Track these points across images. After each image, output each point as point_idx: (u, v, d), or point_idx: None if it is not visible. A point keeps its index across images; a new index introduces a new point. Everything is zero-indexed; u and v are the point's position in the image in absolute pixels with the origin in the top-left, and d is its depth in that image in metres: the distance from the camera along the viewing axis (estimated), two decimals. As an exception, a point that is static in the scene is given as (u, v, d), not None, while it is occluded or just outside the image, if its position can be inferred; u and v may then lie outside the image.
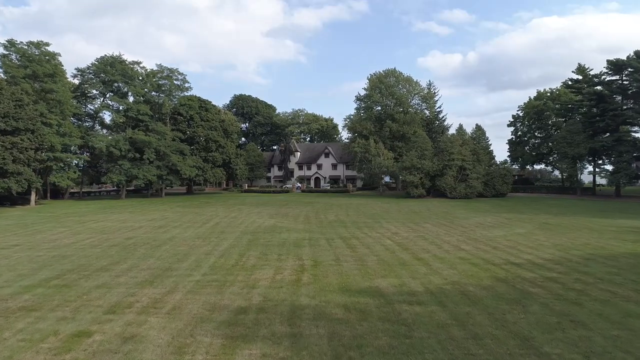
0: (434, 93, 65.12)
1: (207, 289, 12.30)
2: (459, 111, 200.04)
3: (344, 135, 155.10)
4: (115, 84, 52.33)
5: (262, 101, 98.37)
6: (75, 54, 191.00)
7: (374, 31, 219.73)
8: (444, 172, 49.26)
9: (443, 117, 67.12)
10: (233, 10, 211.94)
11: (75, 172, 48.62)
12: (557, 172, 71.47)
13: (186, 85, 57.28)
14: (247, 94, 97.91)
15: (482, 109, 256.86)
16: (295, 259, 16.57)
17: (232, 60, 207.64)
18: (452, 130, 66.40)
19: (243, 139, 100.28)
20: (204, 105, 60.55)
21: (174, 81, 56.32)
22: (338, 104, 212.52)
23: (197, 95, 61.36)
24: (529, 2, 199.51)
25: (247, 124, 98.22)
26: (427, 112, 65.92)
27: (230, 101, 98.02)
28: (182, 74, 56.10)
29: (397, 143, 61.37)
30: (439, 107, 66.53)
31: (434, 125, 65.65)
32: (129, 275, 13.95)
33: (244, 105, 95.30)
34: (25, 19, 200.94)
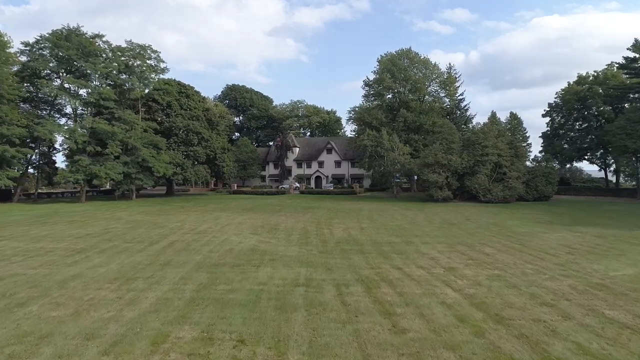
0: (455, 78, 55.74)
1: None
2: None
3: (348, 129, 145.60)
4: (75, 63, 42.93)
5: (257, 92, 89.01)
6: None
7: (375, 30, 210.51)
8: (476, 169, 39.91)
9: (465, 106, 57.76)
10: (234, 9, 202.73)
11: (18, 170, 39.41)
12: (595, 170, 62.03)
13: (162, 65, 47.94)
14: (240, 84, 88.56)
15: (485, 108, 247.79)
16: (271, 358, 7.32)
17: (233, 60, 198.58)
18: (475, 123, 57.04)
19: (237, 133, 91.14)
20: (184, 90, 51.23)
21: (147, 60, 46.96)
22: (340, 103, 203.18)
23: (177, 79, 52.09)
24: (530, 2, 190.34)
25: (240, 117, 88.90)
26: (446, 100, 56.53)
27: (222, 92, 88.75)
28: (155, 51, 46.81)
29: (412, 135, 52.03)
30: (461, 94, 57.16)
31: (455, 115, 56.28)
32: None
33: (236, 97, 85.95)
34: (26, 18, 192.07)
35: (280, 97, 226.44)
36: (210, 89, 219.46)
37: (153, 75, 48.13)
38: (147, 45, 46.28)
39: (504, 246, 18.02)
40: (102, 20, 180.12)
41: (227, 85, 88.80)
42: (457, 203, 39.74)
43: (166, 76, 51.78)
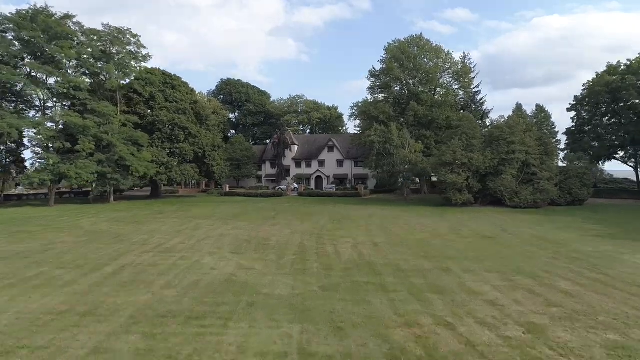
0: (470, 68, 50.45)
1: None
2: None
3: (351, 126, 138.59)
4: (42, 47, 37.59)
5: (253, 87, 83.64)
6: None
7: (376, 30, 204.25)
8: (500, 169, 34.71)
9: (481, 99, 52.40)
10: (235, 9, 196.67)
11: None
12: (617, 170, 56.70)
13: (143, 52, 42.67)
14: (235, 79, 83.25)
15: (486, 108, 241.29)
16: None
17: (234, 59, 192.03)
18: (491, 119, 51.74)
19: (233, 131, 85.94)
20: (169, 80, 45.94)
21: (126, 46, 41.69)
22: (341, 103, 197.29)
23: (162, 69, 46.78)
24: (530, 2, 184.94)
25: (236, 113, 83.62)
26: (460, 92, 51.27)
27: (216, 86, 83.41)
28: (135, 35, 41.46)
29: (423, 131, 46.79)
30: (476, 86, 51.86)
31: (470, 109, 51.01)
32: None
33: (232, 92, 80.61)
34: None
35: (281, 96, 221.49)
36: (210, 89, 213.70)
37: (133, 63, 42.87)
38: (125, 28, 41.05)
39: (583, 278, 12.77)
40: (102, 19, 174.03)
41: (221, 79, 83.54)
42: (479, 208, 34.50)
43: (159, 70, 46.69)
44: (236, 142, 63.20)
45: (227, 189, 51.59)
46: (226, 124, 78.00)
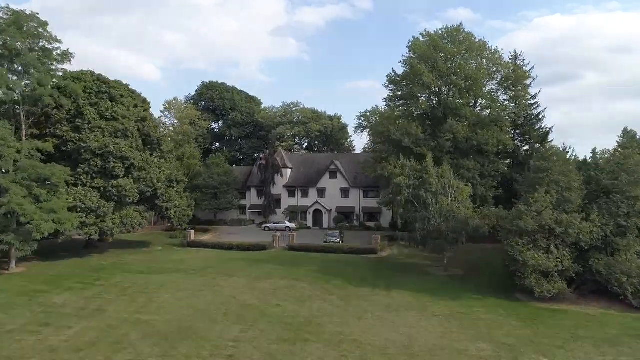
0: (526, 72, 36.88)
1: None
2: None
3: (357, 140, 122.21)
4: None
5: (240, 92, 70.25)
6: (77, 52, 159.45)
7: (378, 30, 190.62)
8: (615, 242, 21.28)
9: (540, 113, 38.61)
10: (236, 9, 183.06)
11: None
12: None
13: (57, 48, 29.15)
14: (219, 82, 69.73)
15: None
16: None
17: (235, 59, 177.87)
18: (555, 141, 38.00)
19: (216, 144, 72.61)
20: (106, 89, 32.26)
21: (37, 40, 28.22)
22: (343, 106, 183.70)
23: (96, 72, 33.12)
24: (531, 2, 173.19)
25: (219, 124, 70.23)
26: (511, 105, 37.74)
27: (196, 91, 69.94)
28: (44, 23, 27.99)
29: (464, 161, 33.30)
30: (533, 96, 38.17)
31: (524, 128, 37.50)
32: None
33: (214, 97, 67.21)
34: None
35: (281, 97, 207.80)
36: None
37: (49, 64, 29.42)
38: (29, 12, 27.56)
39: None
40: (102, 19, 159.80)
41: (202, 82, 70.01)
42: (582, 308, 21.06)
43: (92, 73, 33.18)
44: (213, 164, 49.91)
45: (192, 237, 38.00)
46: (206, 136, 64.65)
